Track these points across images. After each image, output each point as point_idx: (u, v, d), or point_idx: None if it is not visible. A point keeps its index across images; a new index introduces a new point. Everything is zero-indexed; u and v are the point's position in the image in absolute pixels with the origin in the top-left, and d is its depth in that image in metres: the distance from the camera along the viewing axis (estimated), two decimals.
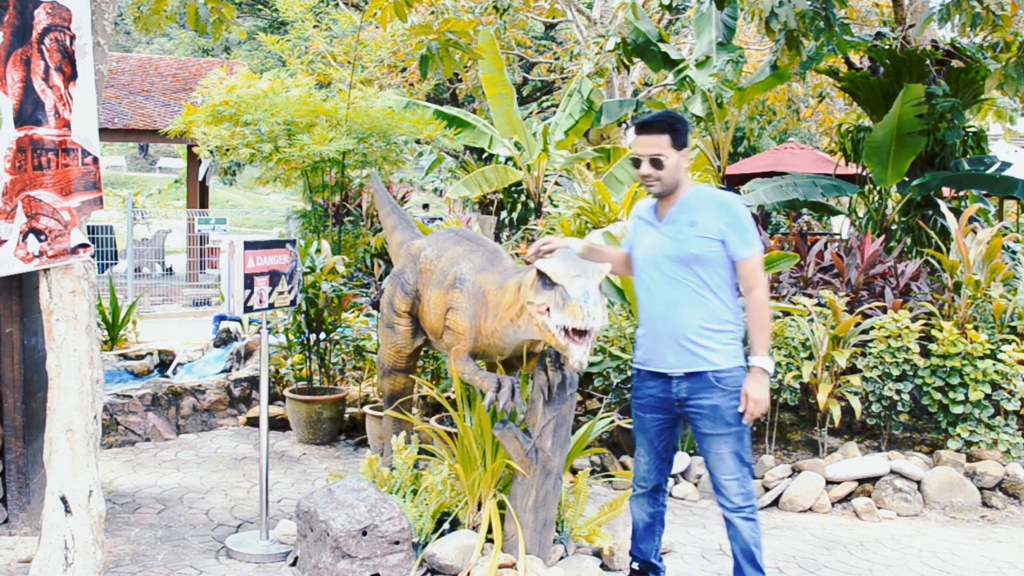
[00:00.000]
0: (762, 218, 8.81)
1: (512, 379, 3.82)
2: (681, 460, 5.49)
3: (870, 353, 5.65)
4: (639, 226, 3.50)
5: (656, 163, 3.31)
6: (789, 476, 5.38)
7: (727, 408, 3.30)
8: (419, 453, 4.39)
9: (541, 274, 3.39)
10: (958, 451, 5.48)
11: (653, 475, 3.55)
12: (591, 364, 5.89)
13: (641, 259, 3.46)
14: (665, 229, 3.36)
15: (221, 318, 8.49)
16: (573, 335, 3.28)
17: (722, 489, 3.33)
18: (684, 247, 3.29)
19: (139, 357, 7.70)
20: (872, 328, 5.74)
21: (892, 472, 5.31)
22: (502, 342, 3.89)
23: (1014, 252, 7.22)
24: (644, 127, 3.36)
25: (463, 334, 4.01)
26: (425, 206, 21.59)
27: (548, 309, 3.33)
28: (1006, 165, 8.58)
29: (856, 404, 5.47)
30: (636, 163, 3.37)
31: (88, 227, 3.78)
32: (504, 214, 12.50)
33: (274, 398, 6.70)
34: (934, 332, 5.61)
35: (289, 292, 4.47)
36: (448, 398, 5.51)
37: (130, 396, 6.21)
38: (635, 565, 3.67)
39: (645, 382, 3.48)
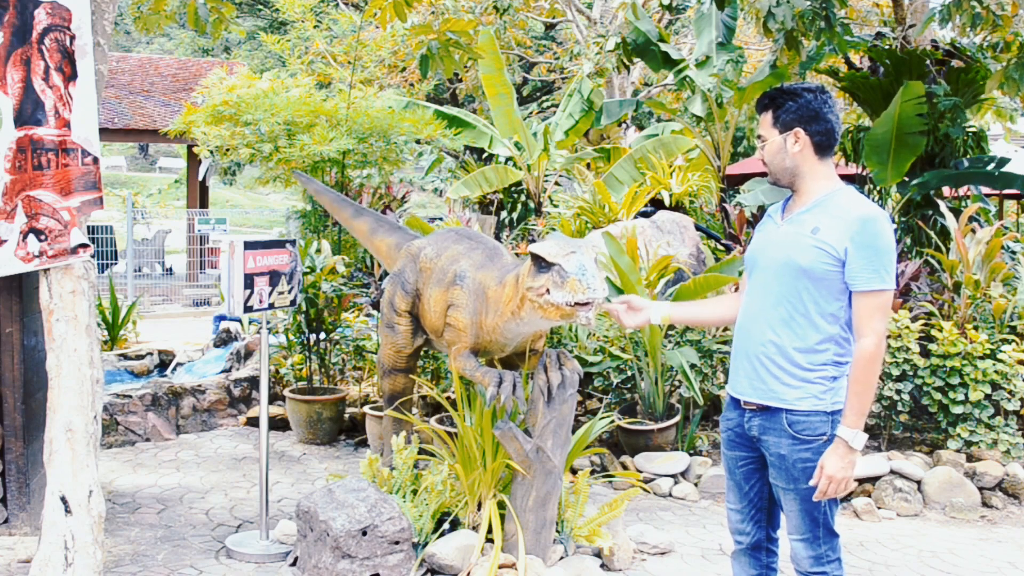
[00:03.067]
0: (762, 218, 8.80)
1: (514, 374, 3.82)
2: (681, 460, 5.49)
3: None
4: (764, 223, 2.90)
5: (762, 147, 2.80)
6: None
7: (797, 460, 2.68)
8: (419, 453, 4.39)
9: (536, 258, 3.42)
10: (958, 451, 5.48)
11: (750, 526, 2.92)
12: (591, 364, 5.89)
13: (748, 259, 2.89)
14: (784, 228, 2.75)
15: (221, 318, 8.49)
16: (576, 307, 3.30)
17: (792, 549, 2.79)
18: (794, 253, 2.66)
19: (139, 357, 7.70)
20: None
21: (892, 472, 5.31)
22: (503, 337, 3.90)
23: (1014, 252, 7.22)
24: (756, 101, 2.87)
25: (464, 331, 4.02)
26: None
27: (548, 290, 3.36)
28: (1004, 161, 8.57)
29: None
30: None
31: (88, 227, 3.78)
32: (504, 214, 12.50)
33: (274, 398, 6.70)
34: (934, 332, 5.61)
35: (289, 292, 4.47)
36: (448, 398, 5.52)
37: (130, 396, 6.21)
38: None
39: (728, 411, 2.91)
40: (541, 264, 3.40)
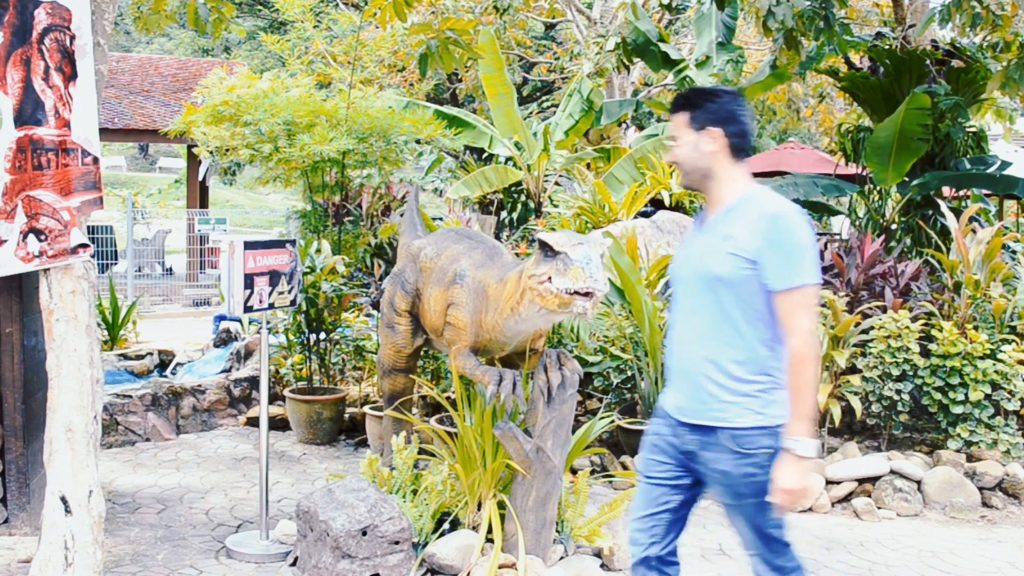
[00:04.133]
0: None
1: (514, 373, 3.82)
2: None
3: (870, 353, 5.65)
4: (691, 231, 2.83)
5: (671, 148, 2.76)
6: None
7: (741, 475, 2.58)
8: (419, 453, 4.39)
9: (543, 245, 3.43)
10: (958, 451, 5.48)
11: (644, 538, 2.78)
12: (591, 364, 5.89)
13: (671, 273, 2.83)
14: (701, 238, 2.70)
15: (221, 318, 8.49)
16: (575, 295, 3.30)
17: (751, 564, 2.72)
18: (711, 263, 2.60)
19: (139, 357, 7.70)
20: (872, 328, 5.73)
21: (892, 472, 5.31)
22: (503, 336, 3.90)
23: (1014, 252, 7.21)
24: (671, 103, 2.82)
25: (464, 329, 4.02)
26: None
27: (550, 278, 3.36)
28: (1006, 164, 8.58)
29: (856, 404, 5.47)
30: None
31: (88, 227, 3.78)
32: (504, 214, 12.50)
33: (274, 398, 6.70)
34: (934, 332, 5.61)
35: (289, 292, 4.47)
36: (448, 398, 5.51)
37: (130, 396, 6.20)
38: None
39: (658, 422, 2.81)
40: (547, 252, 3.42)
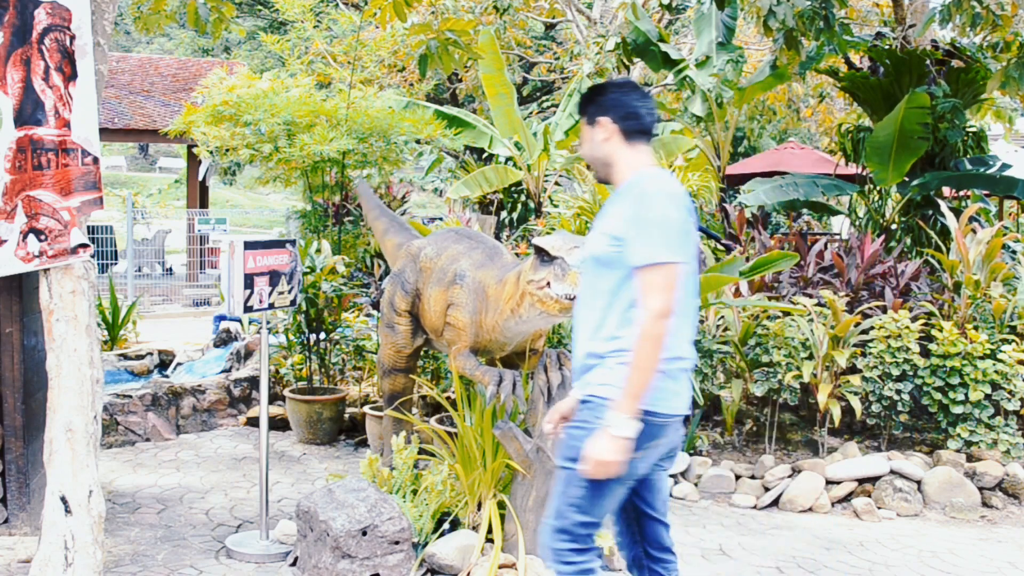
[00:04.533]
0: (762, 218, 8.81)
1: (514, 373, 3.83)
2: (681, 460, 5.49)
3: (870, 353, 5.65)
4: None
5: (581, 146, 2.85)
6: (789, 476, 5.38)
7: (568, 436, 2.65)
8: (419, 453, 4.39)
9: (539, 251, 3.44)
10: (958, 451, 5.48)
11: (625, 540, 2.85)
12: None
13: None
14: (595, 223, 2.80)
15: (221, 318, 8.49)
16: (575, 300, 3.31)
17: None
18: (592, 247, 2.69)
19: (139, 357, 7.69)
20: (872, 328, 5.74)
21: (892, 472, 5.31)
22: (503, 336, 3.90)
23: (1014, 252, 7.21)
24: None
25: (464, 330, 4.02)
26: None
27: (548, 283, 3.37)
28: (1006, 166, 8.59)
29: (856, 404, 5.47)
30: None
31: (88, 227, 3.78)
32: (504, 214, 12.50)
33: (274, 398, 6.70)
34: (934, 332, 5.61)
35: (289, 292, 4.47)
36: (448, 398, 5.51)
37: (130, 396, 6.20)
38: None
39: None
40: (544, 257, 3.42)
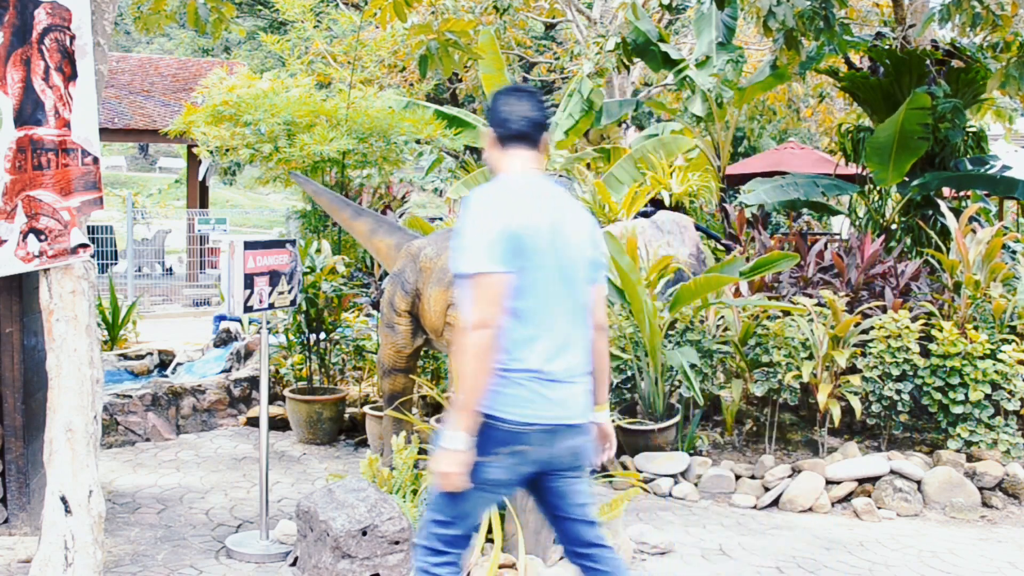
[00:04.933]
0: (762, 218, 8.81)
1: None
2: (681, 460, 5.49)
3: (870, 353, 5.65)
4: None
5: None
6: (789, 476, 5.37)
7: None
8: (419, 453, 4.39)
9: None
10: (958, 451, 5.48)
11: (560, 539, 2.85)
12: None
13: None
14: None
15: (221, 318, 8.49)
16: None
17: None
18: None
19: (139, 357, 7.70)
20: (872, 328, 5.74)
21: (892, 472, 5.31)
22: None
23: (1014, 252, 7.22)
24: None
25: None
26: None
27: None
28: (1007, 167, 8.60)
29: (856, 404, 5.47)
30: None
31: (88, 227, 3.78)
32: None
33: (274, 398, 6.70)
34: (934, 332, 5.61)
35: (289, 292, 4.47)
36: (448, 398, 5.51)
37: (130, 396, 6.20)
38: None
39: None
40: None
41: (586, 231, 2.69)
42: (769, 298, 6.22)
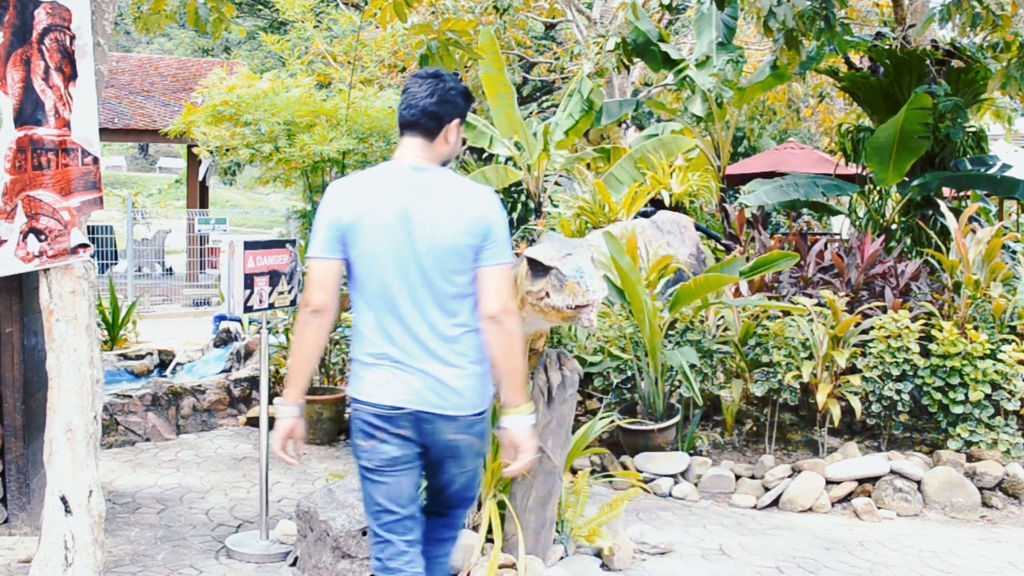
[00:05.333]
0: (762, 218, 8.81)
1: None
2: (681, 460, 5.49)
3: (870, 353, 5.65)
4: None
5: None
6: (789, 476, 5.37)
7: None
8: None
9: (532, 263, 3.42)
10: (958, 451, 5.48)
11: None
12: (591, 364, 5.89)
13: None
14: None
15: (221, 318, 8.49)
16: (578, 309, 3.30)
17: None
18: None
19: (139, 357, 7.69)
20: (872, 328, 5.74)
21: (892, 472, 5.31)
22: None
23: (1014, 252, 7.22)
24: None
25: None
26: None
27: (547, 293, 3.36)
28: (1007, 167, 8.59)
29: (856, 404, 5.47)
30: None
31: (88, 227, 3.78)
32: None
33: (274, 398, 6.68)
34: (934, 332, 5.61)
35: (289, 292, 4.47)
36: None
37: (130, 396, 6.20)
38: None
39: None
40: (538, 268, 3.40)
41: (459, 218, 2.59)
42: (769, 298, 6.22)
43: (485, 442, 2.80)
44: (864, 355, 5.72)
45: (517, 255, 3.78)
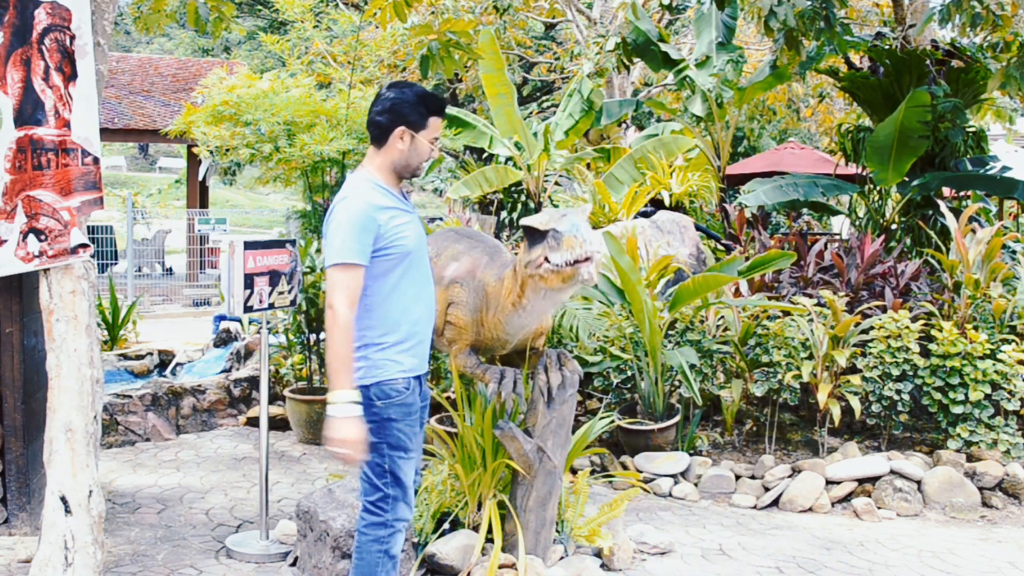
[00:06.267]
0: (762, 218, 8.81)
1: (515, 370, 3.83)
2: (681, 460, 5.49)
3: (870, 353, 5.65)
4: (396, 214, 2.99)
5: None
6: (789, 476, 5.38)
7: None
8: None
9: (528, 230, 3.43)
10: (958, 451, 5.48)
11: (413, 501, 3.15)
12: (591, 364, 5.89)
13: (416, 250, 3.05)
14: (413, 217, 3.10)
15: (221, 318, 8.49)
16: (576, 265, 3.30)
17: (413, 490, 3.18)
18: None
19: (139, 357, 7.70)
20: (872, 328, 5.74)
21: (892, 472, 5.31)
22: (505, 333, 3.89)
23: (1014, 252, 7.22)
24: (446, 111, 3.12)
25: (465, 328, 4.01)
26: None
27: (546, 258, 3.36)
28: (1007, 168, 8.59)
29: (856, 404, 5.47)
30: (432, 145, 3.07)
31: (88, 227, 3.78)
32: (504, 214, 12.49)
33: (274, 398, 6.70)
34: (934, 332, 5.61)
35: (289, 292, 4.47)
36: (448, 398, 5.52)
37: (130, 396, 6.20)
38: None
39: (413, 391, 3.07)
40: (534, 236, 3.41)
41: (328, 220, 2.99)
42: (769, 298, 6.22)
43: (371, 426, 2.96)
44: (864, 355, 5.72)
45: (517, 255, 3.78)
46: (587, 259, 3.28)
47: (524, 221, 3.43)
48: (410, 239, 2.99)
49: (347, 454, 2.84)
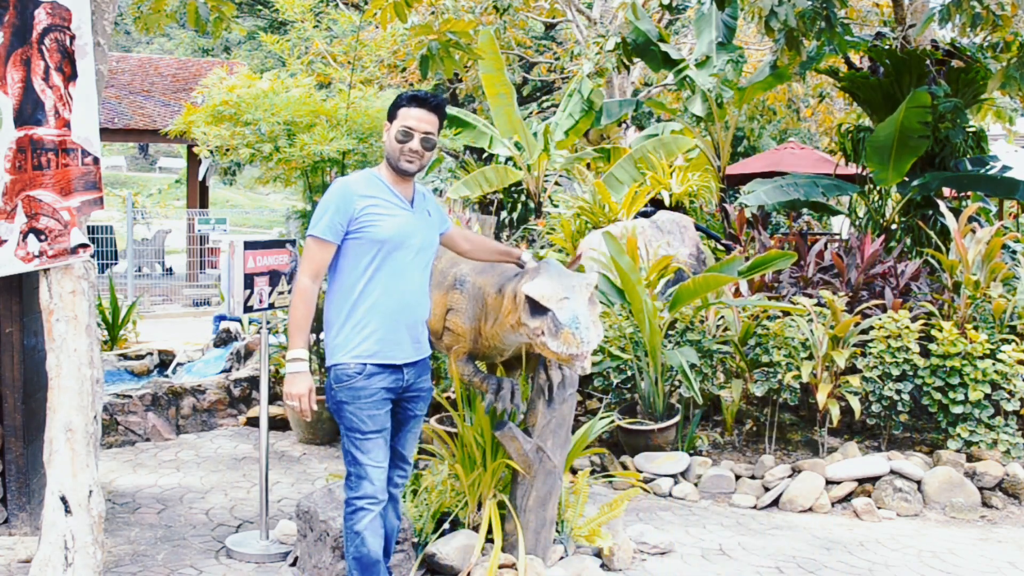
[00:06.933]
0: (762, 218, 8.81)
1: (512, 381, 3.82)
2: (681, 460, 5.49)
3: (870, 353, 5.65)
4: (379, 204, 3.20)
5: (427, 142, 3.22)
6: (789, 476, 5.38)
7: (430, 388, 3.49)
8: (419, 453, 4.39)
9: (530, 301, 3.38)
10: (958, 451, 5.48)
11: (385, 483, 3.29)
12: (591, 364, 5.89)
13: (395, 240, 3.20)
14: (416, 214, 3.29)
15: (221, 318, 8.49)
16: (572, 357, 3.28)
17: (399, 473, 3.45)
18: (432, 236, 3.37)
19: (139, 357, 7.70)
20: (872, 328, 5.74)
21: (892, 472, 5.31)
22: (503, 344, 3.88)
23: (1014, 252, 7.22)
24: (423, 102, 3.22)
25: (463, 335, 4.00)
26: None
27: (544, 332, 3.34)
28: (1007, 168, 8.59)
29: (856, 404, 5.47)
30: (407, 136, 3.18)
31: (88, 227, 3.78)
32: (504, 214, 12.50)
33: (274, 398, 6.70)
34: (934, 332, 5.61)
35: (289, 292, 4.47)
36: (448, 398, 5.52)
37: (130, 396, 6.20)
38: None
39: (377, 377, 3.21)
40: (535, 305, 3.36)
41: None
42: (769, 298, 6.22)
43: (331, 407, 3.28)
44: (864, 355, 5.72)
45: (521, 267, 3.78)
46: (582, 355, 3.28)
47: (526, 290, 3.37)
48: (384, 229, 3.16)
49: (295, 406, 3.18)
